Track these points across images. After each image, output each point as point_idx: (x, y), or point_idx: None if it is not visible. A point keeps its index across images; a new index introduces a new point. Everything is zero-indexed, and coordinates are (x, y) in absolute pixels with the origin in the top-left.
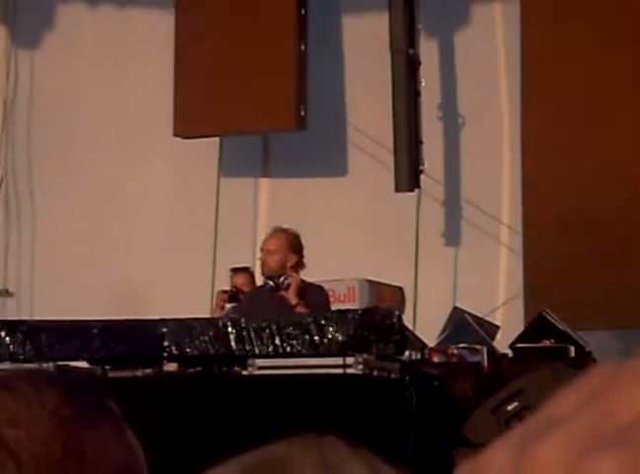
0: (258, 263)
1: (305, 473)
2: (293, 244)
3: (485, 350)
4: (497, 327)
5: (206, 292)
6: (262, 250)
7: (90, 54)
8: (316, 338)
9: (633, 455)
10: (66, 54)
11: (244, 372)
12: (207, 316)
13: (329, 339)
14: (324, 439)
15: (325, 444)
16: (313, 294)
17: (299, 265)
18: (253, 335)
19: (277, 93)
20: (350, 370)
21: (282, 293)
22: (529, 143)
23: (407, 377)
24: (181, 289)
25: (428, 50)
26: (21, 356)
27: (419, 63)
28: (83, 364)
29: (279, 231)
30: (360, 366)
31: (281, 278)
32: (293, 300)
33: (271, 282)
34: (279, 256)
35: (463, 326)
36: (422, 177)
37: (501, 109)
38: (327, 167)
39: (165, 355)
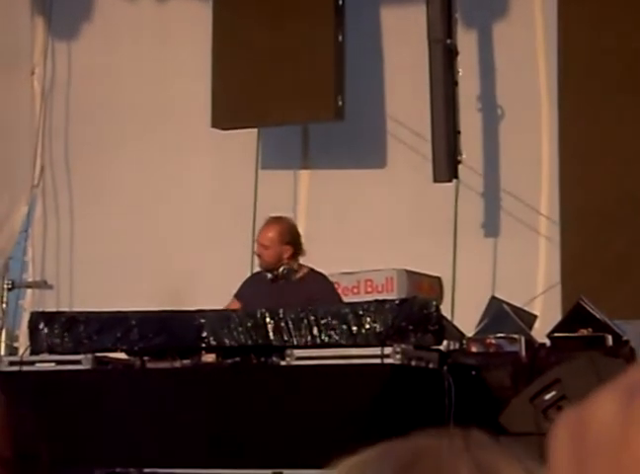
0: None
1: (459, 471)
2: (287, 235)
3: (523, 339)
4: (535, 316)
5: None
6: (257, 242)
7: (128, 45)
8: (354, 328)
9: None
10: (104, 46)
11: (282, 363)
12: None
13: (367, 329)
14: (471, 435)
15: (473, 441)
16: (316, 283)
17: (296, 253)
18: (291, 325)
19: (314, 84)
20: (388, 360)
21: (283, 283)
22: (568, 133)
23: (445, 367)
24: (220, 281)
25: (465, 41)
26: (59, 348)
27: (456, 53)
28: (121, 356)
29: (271, 223)
30: (399, 356)
31: (280, 269)
32: (295, 290)
33: (269, 274)
34: (272, 250)
35: (501, 316)
36: (460, 167)
37: (539, 99)
38: (366, 158)
39: (203, 345)
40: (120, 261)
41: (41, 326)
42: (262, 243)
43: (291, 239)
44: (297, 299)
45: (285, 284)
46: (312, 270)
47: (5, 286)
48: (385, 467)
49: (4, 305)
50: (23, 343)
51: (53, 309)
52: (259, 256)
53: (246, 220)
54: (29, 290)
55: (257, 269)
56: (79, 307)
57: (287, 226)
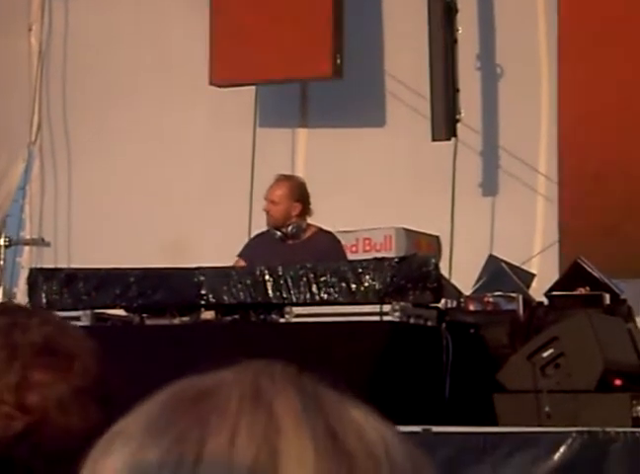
0: None
1: (230, 403)
2: (297, 192)
3: (521, 298)
4: (533, 275)
5: (242, 242)
6: (265, 199)
7: (126, 1)
8: (353, 285)
9: None
10: (102, 1)
11: (281, 320)
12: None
13: (366, 286)
14: (266, 366)
15: (263, 370)
16: (324, 242)
17: (305, 212)
18: (290, 283)
19: (313, 41)
20: (386, 318)
21: (291, 242)
22: (567, 93)
23: (443, 325)
24: (217, 238)
25: None
26: (58, 305)
27: (456, 11)
28: (120, 312)
29: (281, 180)
30: (397, 314)
31: (289, 227)
32: (304, 248)
33: (278, 232)
34: (282, 206)
35: (499, 274)
36: (459, 126)
37: (539, 58)
38: (364, 116)
39: (202, 303)
40: (118, 218)
41: (40, 282)
42: (271, 199)
43: (300, 197)
44: (306, 259)
45: (294, 244)
46: (320, 229)
47: (2, 244)
48: (165, 396)
49: (1, 262)
50: (20, 300)
51: (51, 266)
52: (267, 212)
53: (244, 178)
54: (26, 248)
55: (255, 226)
56: (77, 264)
57: (297, 184)
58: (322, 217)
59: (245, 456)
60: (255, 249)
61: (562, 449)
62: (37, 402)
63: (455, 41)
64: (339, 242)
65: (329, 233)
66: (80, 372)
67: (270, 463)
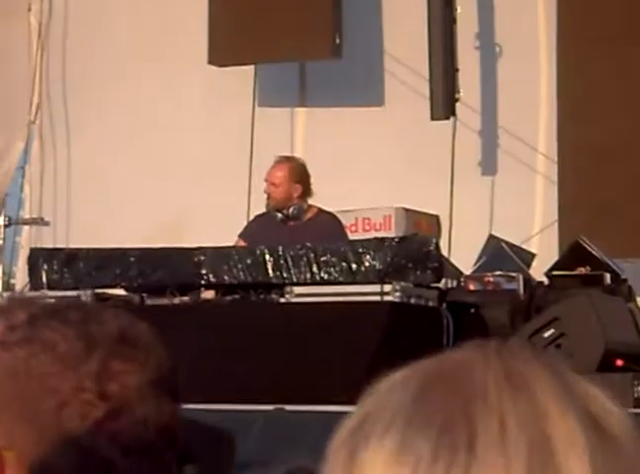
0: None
1: (488, 388)
2: (297, 174)
3: (521, 277)
4: (533, 255)
5: (242, 221)
6: (266, 181)
7: None
8: (353, 265)
9: None
10: None
11: (281, 300)
12: None
13: (366, 266)
14: (505, 345)
15: (506, 351)
16: (326, 223)
17: (306, 193)
18: (290, 262)
19: (312, 21)
20: (387, 298)
21: (292, 224)
22: (565, 72)
23: (444, 305)
24: (216, 218)
25: None
26: (58, 284)
27: None
28: (121, 292)
29: (282, 162)
30: (398, 294)
31: (290, 209)
32: (305, 229)
33: (279, 214)
34: (282, 188)
35: (499, 254)
36: (458, 105)
37: (537, 37)
38: (363, 96)
39: (202, 282)
40: (117, 198)
41: (41, 262)
42: (272, 181)
43: (301, 178)
44: (307, 240)
45: (296, 225)
46: (321, 210)
47: (2, 223)
48: (410, 383)
49: (0, 242)
50: (20, 279)
51: (50, 246)
52: (268, 194)
53: (243, 157)
54: (25, 227)
55: (254, 205)
56: (76, 244)
57: (297, 165)
58: (321, 197)
59: (519, 443)
60: (256, 230)
61: None
62: (117, 391)
63: (454, 21)
64: (340, 223)
65: (330, 214)
66: (155, 365)
67: (544, 448)
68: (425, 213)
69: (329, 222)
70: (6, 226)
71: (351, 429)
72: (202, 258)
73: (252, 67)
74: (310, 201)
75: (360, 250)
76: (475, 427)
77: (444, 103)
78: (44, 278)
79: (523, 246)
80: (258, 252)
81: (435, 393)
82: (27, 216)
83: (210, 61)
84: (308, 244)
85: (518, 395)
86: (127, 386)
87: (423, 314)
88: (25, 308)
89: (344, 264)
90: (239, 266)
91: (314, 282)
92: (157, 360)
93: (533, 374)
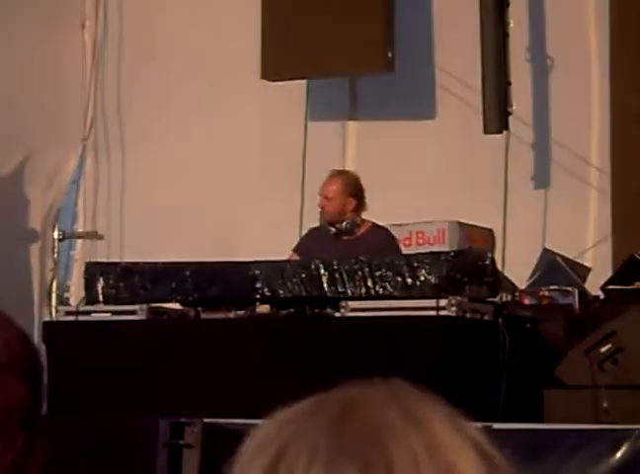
0: None
1: (391, 416)
2: (351, 188)
3: (576, 292)
4: (588, 269)
5: (294, 235)
6: (320, 195)
7: None
8: (409, 280)
9: None
10: None
11: (336, 314)
12: None
13: (422, 281)
14: (395, 385)
15: (398, 390)
16: (379, 237)
17: (360, 207)
18: (345, 277)
19: (364, 35)
20: (443, 312)
21: (346, 238)
22: (618, 84)
23: (500, 319)
24: (269, 233)
25: None
26: (114, 298)
27: (507, 4)
28: (176, 306)
29: (335, 176)
30: (454, 308)
31: (344, 223)
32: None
33: (333, 228)
34: (336, 202)
35: (554, 268)
36: (510, 119)
37: (589, 49)
38: (415, 109)
39: (257, 296)
40: (170, 212)
41: (97, 276)
42: (325, 195)
43: (355, 192)
44: (361, 254)
45: (349, 239)
46: (375, 224)
47: (56, 237)
48: (319, 420)
49: (55, 255)
50: (74, 293)
51: (104, 260)
52: (322, 208)
53: (295, 172)
54: (79, 241)
55: (306, 219)
56: (129, 258)
57: (351, 179)
58: (373, 211)
59: (431, 471)
60: (309, 244)
61: (625, 447)
62: None
63: (507, 35)
64: (394, 238)
65: (384, 229)
66: (5, 350)
67: None
68: (478, 227)
69: (382, 237)
70: (60, 240)
71: (268, 463)
72: (258, 272)
73: (304, 82)
74: (363, 215)
75: (416, 264)
76: (391, 458)
77: (497, 117)
78: (100, 293)
79: (578, 260)
80: (313, 266)
81: (346, 429)
82: (80, 230)
83: (263, 76)
84: (363, 258)
85: (420, 429)
86: None
87: (479, 329)
88: None
89: (399, 278)
90: (294, 280)
91: (369, 297)
92: (7, 346)
93: (426, 411)
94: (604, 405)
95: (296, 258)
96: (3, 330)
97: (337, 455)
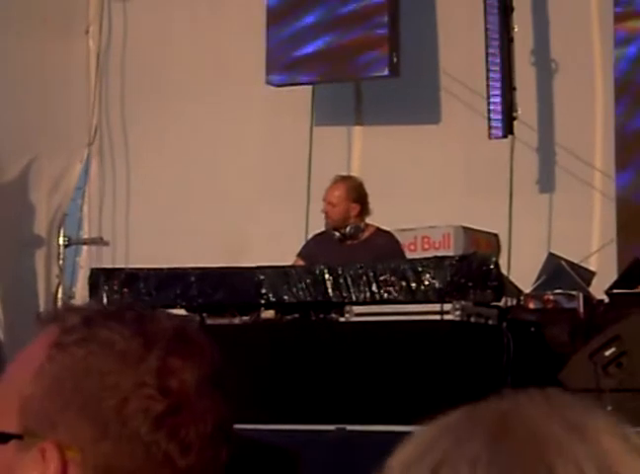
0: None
1: (555, 431)
2: (355, 193)
3: (581, 296)
4: (592, 273)
5: (300, 240)
6: (324, 201)
7: (183, 3)
8: (413, 284)
9: None
10: (159, 3)
11: (341, 319)
12: None
13: (426, 285)
14: (551, 394)
15: (556, 400)
16: (383, 241)
17: (363, 212)
18: (350, 282)
19: (369, 40)
20: (447, 317)
21: (350, 243)
22: (622, 88)
23: (504, 323)
24: (274, 238)
25: None
26: (118, 304)
27: (512, 9)
28: (181, 312)
29: (338, 181)
30: (458, 313)
31: (347, 228)
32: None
33: (337, 233)
34: (340, 207)
35: (559, 272)
36: (515, 123)
37: (593, 53)
38: (420, 114)
39: (262, 302)
40: (175, 217)
41: (101, 282)
42: (329, 201)
43: (358, 197)
44: (365, 259)
45: (353, 244)
46: (379, 228)
47: (62, 243)
48: (477, 434)
49: (61, 262)
50: (79, 299)
51: (110, 266)
52: (326, 214)
53: (301, 176)
54: (85, 247)
55: (312, 224)
56: (135, 264)
57: (355, 185)
58: (378, 215)
59: None
60: (314, 249)
61: None
62: (176, 386)
63: (512, 40)
64: (398, 242)
65: (388, 233)
66: (210, 361)
67: None
68: (483, 232)
69: (387, 241)
70: (66, 246)
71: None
72: (262, 277)
73: (309, 87)
74: (368, 220)
75: (420, 269)
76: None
77: (502, 121)
78: (105, 298)
79: (582, 264)
80: (317, 271)
81: (507, 443)
82: (86, 236)
83: (268, 81)
84: (368, 263)
85: (586, 442)
86: (186, 382)
87: (483, 333)
88: (78, 312)
89: (403, 283)
90: (299, 285)
91: (374, 302)
92: (211, 357)
93: (589, 421)
94: (609, 408)
95: (301, 263)
96: (206, 341)
97: (495, 468)
